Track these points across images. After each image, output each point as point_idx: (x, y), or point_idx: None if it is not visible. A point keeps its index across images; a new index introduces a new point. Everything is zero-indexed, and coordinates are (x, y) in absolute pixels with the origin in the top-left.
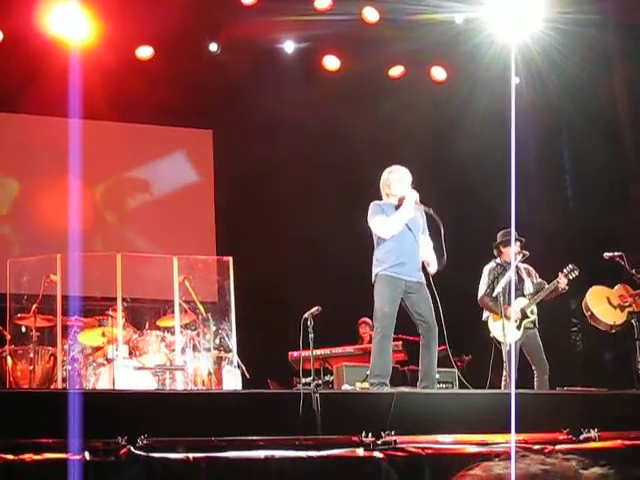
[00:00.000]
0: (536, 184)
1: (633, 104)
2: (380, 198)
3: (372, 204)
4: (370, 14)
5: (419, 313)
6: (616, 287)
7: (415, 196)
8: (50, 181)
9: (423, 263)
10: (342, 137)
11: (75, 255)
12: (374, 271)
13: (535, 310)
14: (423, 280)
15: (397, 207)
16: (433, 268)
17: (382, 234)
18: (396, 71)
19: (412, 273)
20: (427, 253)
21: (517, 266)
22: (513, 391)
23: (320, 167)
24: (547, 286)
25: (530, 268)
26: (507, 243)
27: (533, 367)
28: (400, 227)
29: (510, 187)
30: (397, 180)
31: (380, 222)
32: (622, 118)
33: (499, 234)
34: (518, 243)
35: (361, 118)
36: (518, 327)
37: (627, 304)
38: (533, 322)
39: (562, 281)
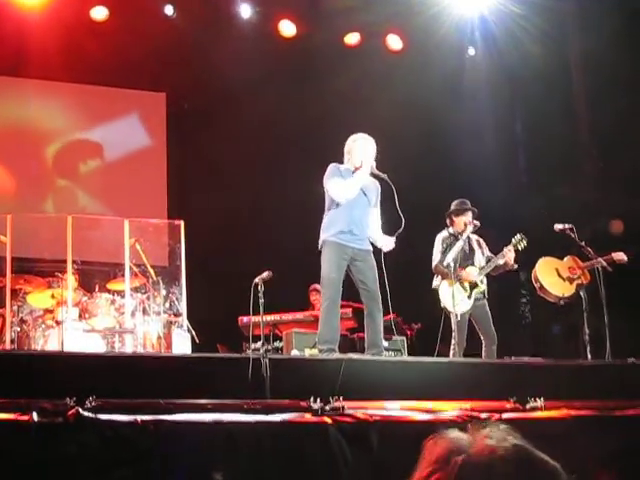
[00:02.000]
0: (489, 155)
1: (589, 78)
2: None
3: (331, 165)
4: None
5: (363, 281)
6: (565, 259)
7: (372, 163)
8: (1, 141)
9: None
10: (298, 104)
11: (26, 216)
12: (322, 236)
13: (485, 280)
14: (370, 248)
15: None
16: (383, 246)
17: (336, 196)
18: (352, 39)
19: (360, 241)
20: (374, 230)
21: (468, 236)
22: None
23: (275, 133)
24: (495, 257)
25: (481, 240)
26: (459, 213)
27: (481, 337)
28: (354, 192)
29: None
30: (359, 149)
31: (336, 184)
32: (577, 92)
33: (453, 203)
34: (470, 213)
35: (318, 85)
36: (468, 297)
37: (576, 276)
38: (483, 292)
39: (509, 250)
